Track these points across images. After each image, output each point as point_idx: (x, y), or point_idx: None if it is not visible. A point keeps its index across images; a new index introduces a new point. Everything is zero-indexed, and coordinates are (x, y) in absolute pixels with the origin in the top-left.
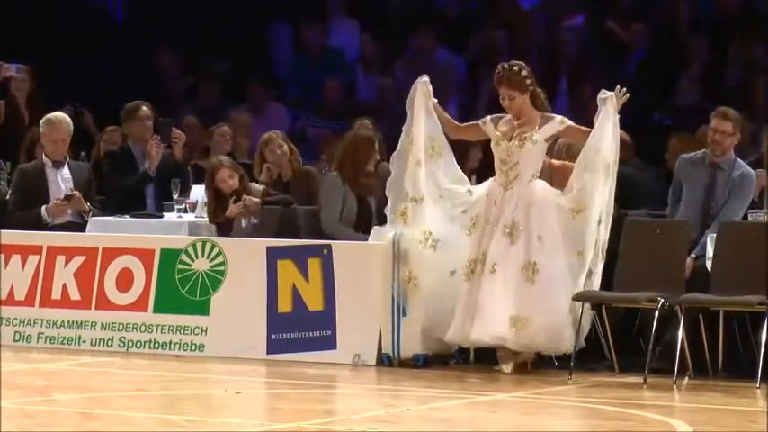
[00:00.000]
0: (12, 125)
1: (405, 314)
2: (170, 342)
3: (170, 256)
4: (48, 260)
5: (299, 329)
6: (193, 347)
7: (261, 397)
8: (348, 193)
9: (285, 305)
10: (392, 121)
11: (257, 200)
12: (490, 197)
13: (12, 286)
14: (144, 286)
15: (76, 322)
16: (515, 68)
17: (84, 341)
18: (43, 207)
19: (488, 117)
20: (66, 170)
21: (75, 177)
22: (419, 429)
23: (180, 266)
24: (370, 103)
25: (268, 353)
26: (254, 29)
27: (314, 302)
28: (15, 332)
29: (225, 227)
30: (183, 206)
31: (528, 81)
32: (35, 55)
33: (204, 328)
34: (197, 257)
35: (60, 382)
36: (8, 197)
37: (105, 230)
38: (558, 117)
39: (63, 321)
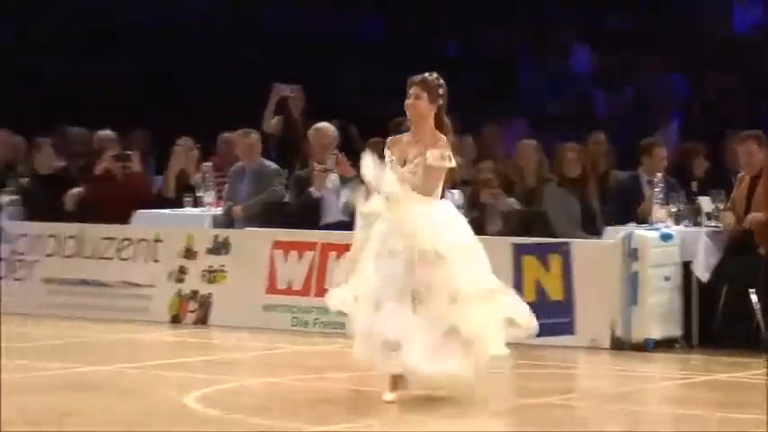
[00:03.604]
0: (289, 137)
1: (635, 303)
2: None
3: None
4: (321, 255)
5: (542, 317)
6: None
7: (511, 376)
8: (569, 200)
9: (529, 295)
10: (623, 134)
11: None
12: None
13: (290, 278)
14: None
15: None
16: (434, 76)
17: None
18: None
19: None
20: (333, 175)
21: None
22: (649, 408)
23: None
24: (603, 117)
25: None
26: (502, 53)
27: (555, 293)
28: (293, 318)
29: (477, 220)
30: None
31: (440, 92)
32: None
33: None
34: None
35: (333, 363)
36: (287, 200)
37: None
38: (440, 151)
39: None
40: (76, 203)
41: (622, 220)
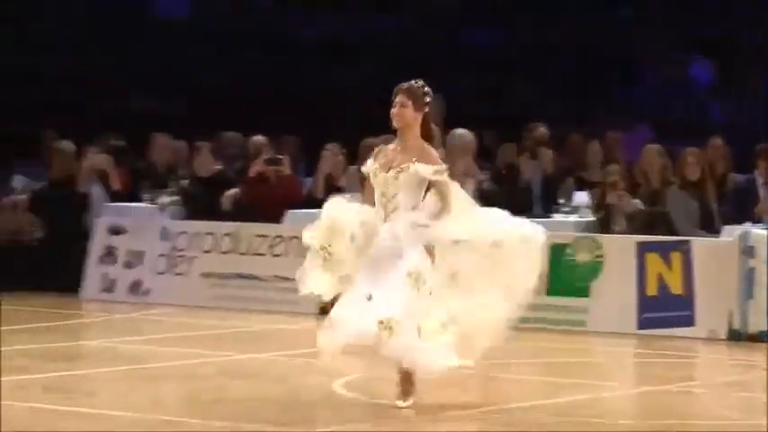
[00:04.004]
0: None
1: (751, 297)
2: (559, 320)
3: (559, 249)
4: None
5: (664, 310)
6: (577, 324)
7: (633, 365)
8: (690, 201)
9: (652, 289)
10: (738, 140)
11: (635, 201)
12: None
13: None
14: None
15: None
16: (420, 83)
17: None
18: None
19: (372, 154)
20: (470, 178)
21: None
22: (763, 395)
23: (566, 258)
24: (720, 124)
25: (638, 328)
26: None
27: (676, 287)
28: None
29: (604, 220)
30: (569, 209)
31: (427, 100)
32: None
33: (586, 309)
34: (581, 250)
35: None
36: None
37: None
38: (434, 166)
39: None
40: (232, 204)
41: (739, 220)
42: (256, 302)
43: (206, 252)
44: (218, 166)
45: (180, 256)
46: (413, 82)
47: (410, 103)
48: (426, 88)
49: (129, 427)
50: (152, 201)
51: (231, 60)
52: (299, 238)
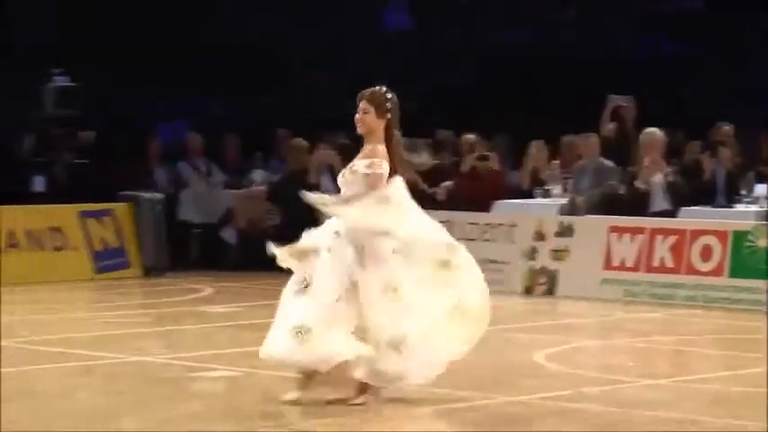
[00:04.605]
0: (622, 140)
1: None
2: (740, 299)
3: (740, 236)
4: (650, 238)
5: None
6: (757, 303)
7: None
8: None
9: None
10: None
11: None
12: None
13: (623, 257)
14: (720, 257)
15: (671, 283)
16: (383, 90)
17: (676, 298)
18: None
19: None
20: (659, 172)
21: None
22: None
23: (747, 243)
24: None
25: None
26: None
27: None
28: (625, 290)
29: None
30: (749, 199)
31: (389, 106)
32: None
33: (765, 289)
34: (761, 237)
35: (659, 328)
36: (621, 192)
37: (691, 217)
38: (368, 160)
39: (661, 283)
40: (447, 194)
41: None
42: None
43: None
44: (435, 161)
45: None
46: (375, 88)
47: (372, 109)
48: (389, 95)
49: None
50: None
51: (449, 68)
52: (504, 225)
